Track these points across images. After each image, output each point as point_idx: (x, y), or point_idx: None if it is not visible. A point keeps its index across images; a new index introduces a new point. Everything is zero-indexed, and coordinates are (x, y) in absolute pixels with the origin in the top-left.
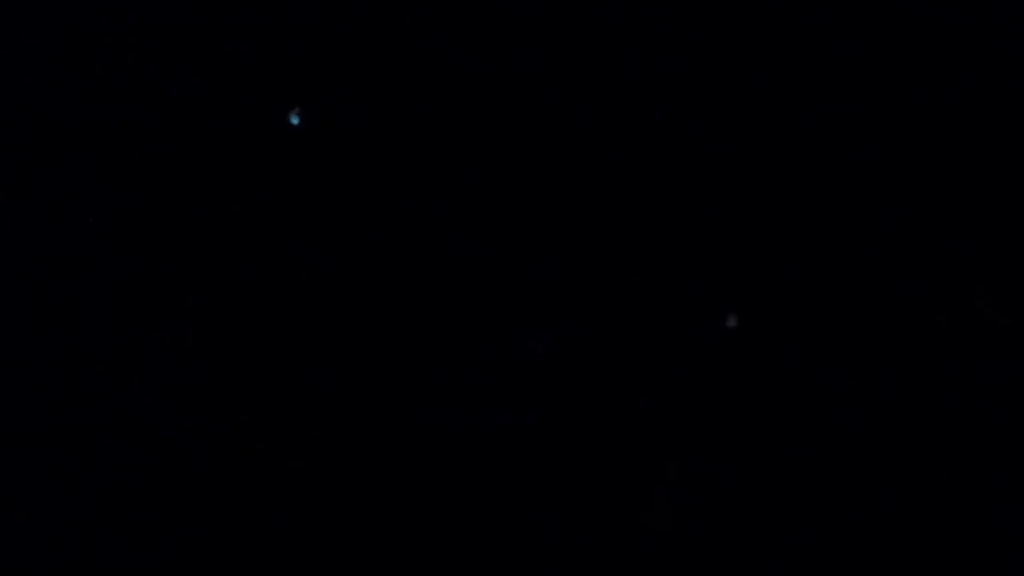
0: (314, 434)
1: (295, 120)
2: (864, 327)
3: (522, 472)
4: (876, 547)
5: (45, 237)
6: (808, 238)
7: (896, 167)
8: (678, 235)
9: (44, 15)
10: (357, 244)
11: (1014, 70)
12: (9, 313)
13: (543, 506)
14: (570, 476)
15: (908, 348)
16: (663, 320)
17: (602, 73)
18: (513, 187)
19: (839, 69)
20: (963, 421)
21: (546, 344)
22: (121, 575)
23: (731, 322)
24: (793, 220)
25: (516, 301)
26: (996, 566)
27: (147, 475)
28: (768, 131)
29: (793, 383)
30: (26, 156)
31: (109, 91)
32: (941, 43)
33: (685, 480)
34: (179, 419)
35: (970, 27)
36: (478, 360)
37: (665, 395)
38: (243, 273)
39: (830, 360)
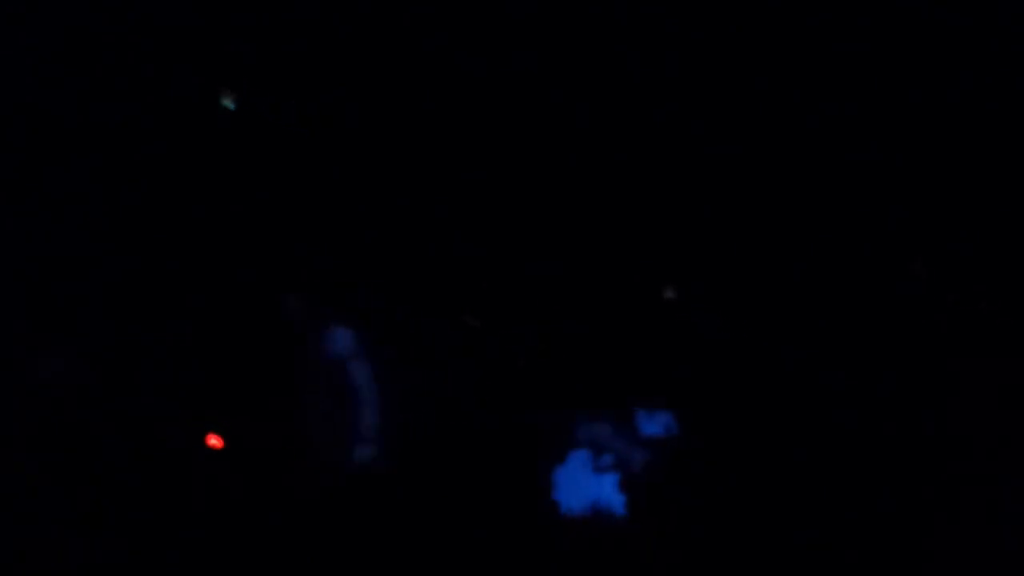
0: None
1: (230, 104)
2: (864, 327)
3: (522, 472)
4: (876, 547)
5: (45, 237)
6: (808, 238)
7: (896, 167)
8: (679, 235)
9: (44, 15)
10: (357, 244)
11: (1014, 70)
12: (9, 313)
13: (543, 506)
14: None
15: (908, 348)
16: (663, 320)
17: (602, 73)
18: (513, 187)
19: (839, 69)
20: (963, 421)
21: (535, 341)
22: (121, 575)
23: (669, 293)
24: (793, 220)
25: (515, 300)
26: (996, 566)
27: (147, 475)
28: (768, 131)
29: (793, 383)
30: (26, 156)
31: (109, 91)
32: (941, 43)
33: (685, 479)
34: (179, 419)
35: (970, 27)
36: (478, 359)
37: (664, 394)
38: (243, 273)
39: (830, 360)
